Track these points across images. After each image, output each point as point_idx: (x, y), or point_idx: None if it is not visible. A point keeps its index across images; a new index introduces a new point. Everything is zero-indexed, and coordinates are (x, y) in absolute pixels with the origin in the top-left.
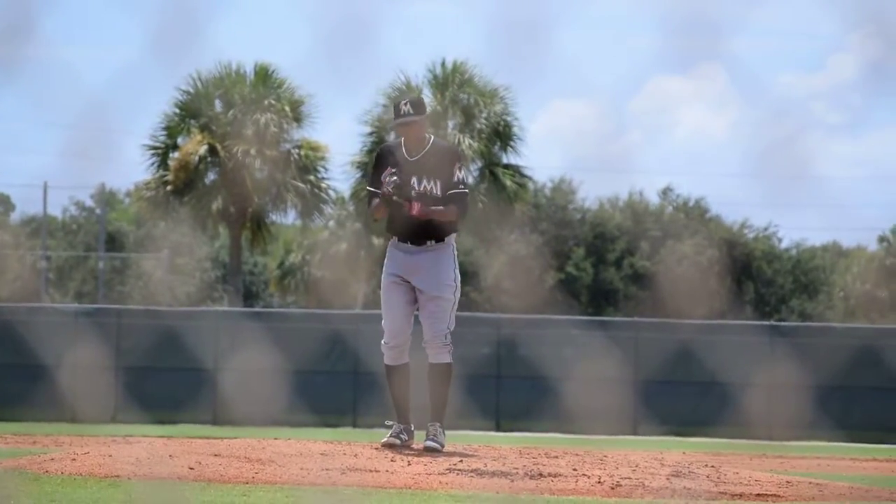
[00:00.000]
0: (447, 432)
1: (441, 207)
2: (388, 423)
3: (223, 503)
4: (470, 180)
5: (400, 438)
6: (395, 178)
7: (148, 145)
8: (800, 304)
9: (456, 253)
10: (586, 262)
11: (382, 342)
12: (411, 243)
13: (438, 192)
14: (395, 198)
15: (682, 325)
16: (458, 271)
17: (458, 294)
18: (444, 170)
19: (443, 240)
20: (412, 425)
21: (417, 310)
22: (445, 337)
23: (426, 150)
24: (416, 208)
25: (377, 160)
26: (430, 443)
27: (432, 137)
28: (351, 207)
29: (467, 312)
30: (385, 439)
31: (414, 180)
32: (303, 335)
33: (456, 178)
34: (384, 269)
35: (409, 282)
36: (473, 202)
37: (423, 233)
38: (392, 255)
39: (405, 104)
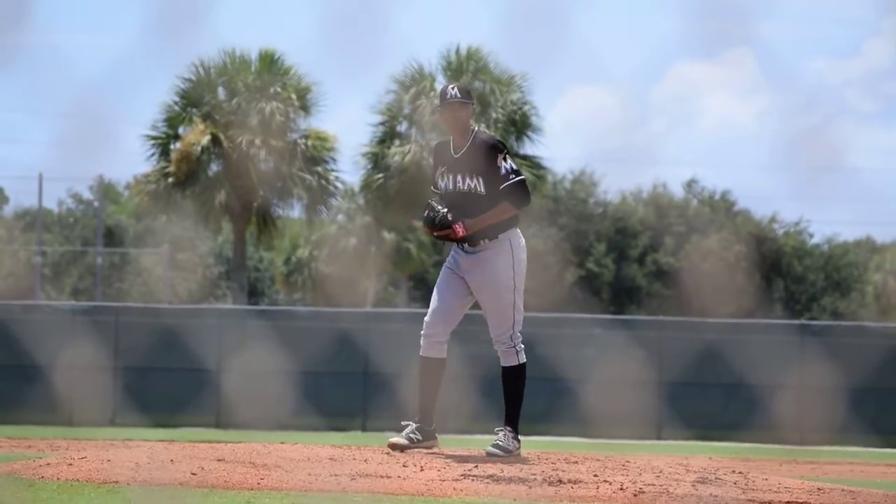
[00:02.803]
0: (464, 437)
1: (488, 213)
2: (403, 423)
3: None
4: None
5: (409, 438)
6: (430, 213)
7: (148, 135)
8: (832, 302)
9: (517, 245)
10: (608, 258)
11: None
12: (468, 245)
13: (483, 190)
14: (437, 237)
15: (708, 324)
16: (519, 267)
17: (518, 292)
18: (487, 165)
19: (497, 237)
20: (434, 426)
21: (470, 306)
22: (511, 339)
23: (468, 145)
24: (460, 231)
25: (433, 157)
26: (491, 448)
27: (476, 129)
28: (361, 200)
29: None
30: (393, 439)
31: (459, 178)
32: (310, 334)
33: (504, 171)
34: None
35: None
36: None
37: (476, 234)
38: (454, 251)
39: (452, 88)
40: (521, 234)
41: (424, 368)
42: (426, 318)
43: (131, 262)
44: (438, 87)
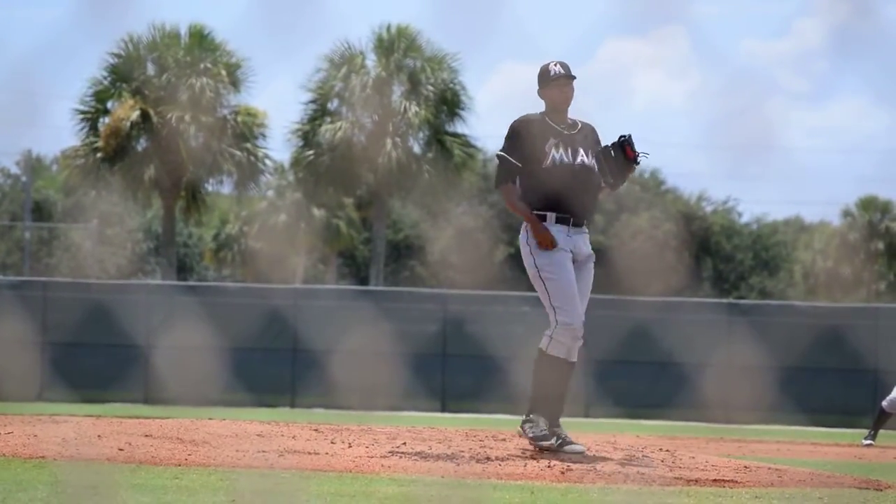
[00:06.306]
0: (392, 414)
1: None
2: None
3: (154, 486)
4: (416, 149)
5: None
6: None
7: (77, 110)
8: (760, 282)
9: None
10: None
11: (561, 329)
12: (574, 224)
13: (597, 169)
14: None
15: (636, 302)
16: None
17: None
18: (596, 148)
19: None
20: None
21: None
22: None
23: (581, 125)
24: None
25: (529, 129)
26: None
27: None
28: (291, 177)
29: (412, 288)
30: (544, 443)
31: (582, 153)
32: (239, 311)
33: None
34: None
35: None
36: (420, 172)
37: (589, 212)
38: (561, 232)
39: (556, 65)
40: None
41: (568, 373)
42: (571, 315)
43: (60, 237)
44: (370, 64)
